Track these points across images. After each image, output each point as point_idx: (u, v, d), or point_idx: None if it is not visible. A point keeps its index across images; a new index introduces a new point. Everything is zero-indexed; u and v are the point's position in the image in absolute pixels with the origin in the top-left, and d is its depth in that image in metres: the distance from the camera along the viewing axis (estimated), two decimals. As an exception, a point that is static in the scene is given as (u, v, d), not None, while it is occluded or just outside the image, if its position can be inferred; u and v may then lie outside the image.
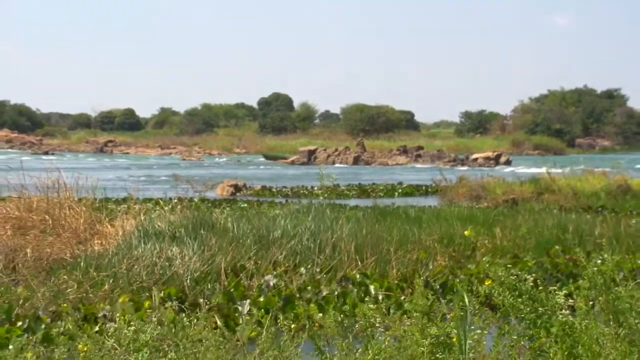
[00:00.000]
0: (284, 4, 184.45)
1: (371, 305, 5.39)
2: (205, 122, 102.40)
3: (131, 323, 5.31)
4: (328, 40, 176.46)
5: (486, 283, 5.22)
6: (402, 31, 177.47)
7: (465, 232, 10.21)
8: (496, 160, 60.15)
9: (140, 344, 4.88)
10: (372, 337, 5.07)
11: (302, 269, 10.67)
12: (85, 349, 5.06)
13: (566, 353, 4.55)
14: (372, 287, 9.77)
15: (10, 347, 4.84)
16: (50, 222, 13.08)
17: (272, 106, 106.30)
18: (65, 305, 8.65)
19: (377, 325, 5.90)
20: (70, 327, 6.40)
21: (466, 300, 5.09)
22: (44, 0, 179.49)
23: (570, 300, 5.37)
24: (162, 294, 9.10)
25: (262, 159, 69.35)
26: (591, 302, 5.11)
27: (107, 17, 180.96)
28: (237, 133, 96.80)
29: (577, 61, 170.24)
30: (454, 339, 4.82)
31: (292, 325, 7.38)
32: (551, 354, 4.60)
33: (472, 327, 5.10)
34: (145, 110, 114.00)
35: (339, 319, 7.00)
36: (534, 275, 5.34)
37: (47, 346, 6.14)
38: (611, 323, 4.90)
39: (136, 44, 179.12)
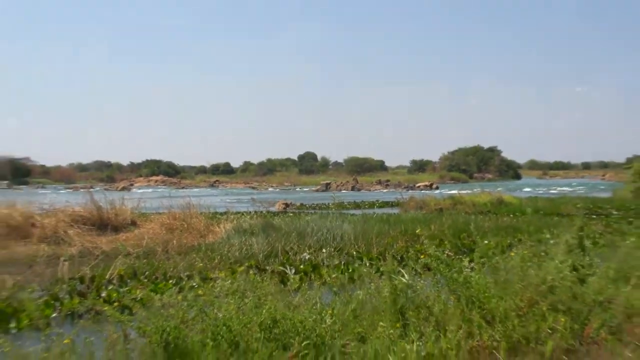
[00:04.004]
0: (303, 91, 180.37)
1: (364, 270, 5.39)
2: (269, 168, 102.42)
3: (229, 280, 5.38)
4: (333, 116, 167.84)
5: (422, 257, 5.23)
6: (379, 108, 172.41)
7: (417, 231, 10.18)
8: (430, 186, 59.65)
9: (233, 290, 4.94)
10: (362, 283, 5.09)
11: (324, 249, 10.69)
12: (203, 293, 5.13)
13: (467, 293, 4.56)
14: (363, 259, 9.78)
15: (166, 294, 4.93)
16: (185, 225, 13.22)
17: (305, 158, 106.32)
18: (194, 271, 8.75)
19: (366, 279, 5.90)
20: (198, 282, 6.47)
21: (414, 265, 5.10)
22: (175, 85, 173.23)
23: (471, 264, 5.39)
24: (246, 264, 9.17)
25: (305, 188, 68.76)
26: (482, 264, 5.12)
27: (209, 98, 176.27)
28: (286, 174, 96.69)
29: (476, 128, 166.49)
30: (407, 286, 4.85)
31: (317, 282, 7.39)
32: (459, 293, 4.62)
33: (418, 280, 5.12)
34: (236, 162, 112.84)
35: (345, 275, 7.01)
36: (448, 250, 5.34)
37: (184, 293, 6.22)
38: (493, 276, 4.91)
39: (234, 119, 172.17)
